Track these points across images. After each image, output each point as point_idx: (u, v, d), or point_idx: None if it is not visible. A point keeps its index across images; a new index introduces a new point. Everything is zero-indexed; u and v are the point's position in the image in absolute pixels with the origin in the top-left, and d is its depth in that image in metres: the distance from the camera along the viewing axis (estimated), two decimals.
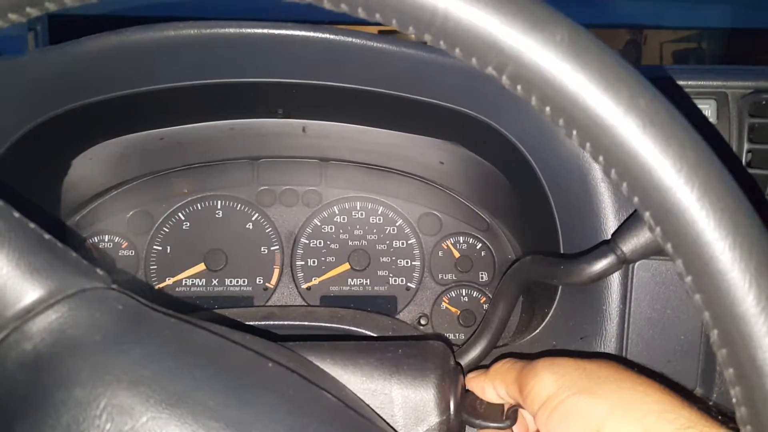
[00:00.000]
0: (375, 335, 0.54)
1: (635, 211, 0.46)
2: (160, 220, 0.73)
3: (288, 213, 0.75)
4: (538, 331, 0.57)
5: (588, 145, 0.25)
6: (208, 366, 0.29)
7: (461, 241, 0.75)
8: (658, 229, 0.25)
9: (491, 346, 0.52)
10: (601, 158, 0.26)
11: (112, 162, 0.69)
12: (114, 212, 0.73)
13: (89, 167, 0.68)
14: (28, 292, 0.29)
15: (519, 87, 0.25)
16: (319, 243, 0.75)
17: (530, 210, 0.66)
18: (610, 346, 0.52)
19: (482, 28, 0.24)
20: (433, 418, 0.42)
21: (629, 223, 0.44)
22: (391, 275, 0.74)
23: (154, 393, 0.27)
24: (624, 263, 0.43)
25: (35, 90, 0.57)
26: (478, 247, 0.75)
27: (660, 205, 0.25)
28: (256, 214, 0.75)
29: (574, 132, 0.25)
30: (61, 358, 0.28)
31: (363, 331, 0.54)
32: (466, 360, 0.49)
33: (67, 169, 0.67)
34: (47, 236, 0.31)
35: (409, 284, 0.74)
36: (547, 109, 0.25)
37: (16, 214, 0.31)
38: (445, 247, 0.75)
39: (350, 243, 0.75)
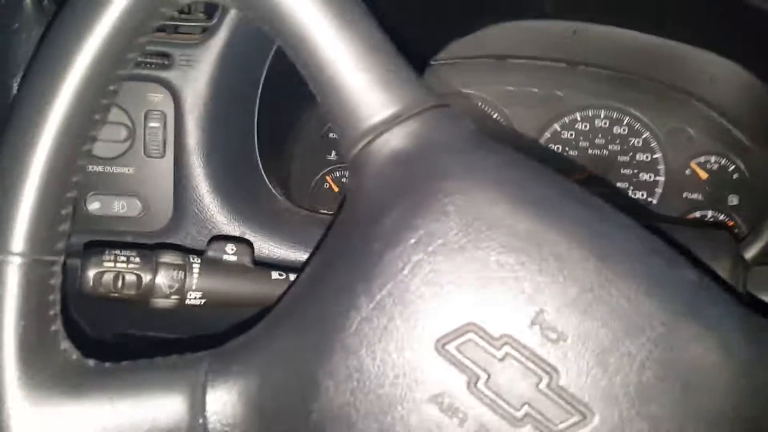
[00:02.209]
0: None
1: None
2: None
3: (528, 115, 0.75)
4: None
5: None
6: (558, 182, 0.31)
7: (713, 161, 0.71)
8: None
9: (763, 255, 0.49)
10: None
11: None
12: None
13: None
14: (392, 102, 0.32)
15: None
16: (558, 148, 0.74)
17: None
18: None
19: None
20: None
21: None
22: (632, 188, 0.72)
23: (522, 192, 0.29)
24: None
25: None
26: (730, 169, 0.70)
27: None
28: (497, 114, 0.75)
29: None
30: (431, 155, 0.30)
31: None
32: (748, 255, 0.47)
33: None
34: (402, 58, 0.34)
35: (650, 199, 0.72)
36: None
37: (383, 34, 0.33)
38: (694, 166, 0.71)
39: (590, 152, 0.73)
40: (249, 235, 0.54)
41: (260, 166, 0.59)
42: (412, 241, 0.28)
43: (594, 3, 0.61)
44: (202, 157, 0.54)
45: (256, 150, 0.58)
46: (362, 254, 0.29)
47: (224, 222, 0.54)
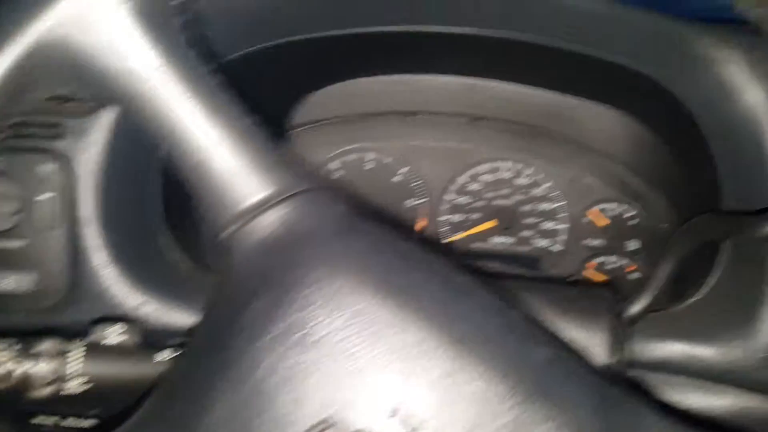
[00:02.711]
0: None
1: None
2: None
3: (434, 168, 0.76)
4: (698, 298, 0.55)
5: None
6: (424, 262, 0.31)
7: (611, 208, 0.74)
8: None
9: (655, 304, 0.51)
10: None
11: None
12: None
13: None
14: (261, 187, 0.32)
15: None
16: (465, 200, 0.76)
17: (691, 179, 0.63)
18: None
19: None
20: (603, 361, 0.42)
21: None
22: (535, 237, 0.75)
23: (385, 278, 0.29)
24: None
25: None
26: (628, 215, 0.73)
27: None
28: (405, 168, 0.77)
29: None
30: (297, 244, 0.30)
31: None
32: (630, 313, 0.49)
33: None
34: (273, 140, 0.34)
35: (553, 247, 0.74)
36: None
37: (251, 118, 0.34)
38: (594, 213, 0.74)
39: (495, 202, 0.75)
40: (151, 304, 0.53)
41: (165, 229, 0.57)
42: (273, 334, 0.28)
43: (486, 60, 0.64)
44: (98, 227, 0.53)
45: (161, 213, 0.57)
46: (225, 349, 0.29)
47: (123, 292, 0.52)
